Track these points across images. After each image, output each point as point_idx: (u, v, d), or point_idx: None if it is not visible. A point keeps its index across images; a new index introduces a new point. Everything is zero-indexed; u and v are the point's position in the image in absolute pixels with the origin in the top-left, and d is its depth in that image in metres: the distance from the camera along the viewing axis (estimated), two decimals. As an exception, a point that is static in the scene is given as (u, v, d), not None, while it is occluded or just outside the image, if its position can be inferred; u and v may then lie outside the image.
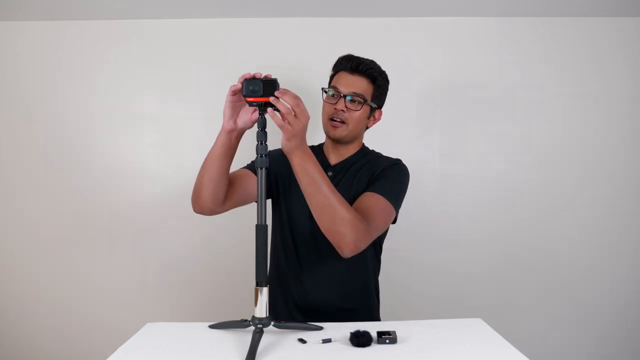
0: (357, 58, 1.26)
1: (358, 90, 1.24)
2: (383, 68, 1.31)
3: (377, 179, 1.22)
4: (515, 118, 2.07)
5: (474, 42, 2.07)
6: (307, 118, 1.00)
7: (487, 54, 2.06)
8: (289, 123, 0.98)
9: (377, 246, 1.33)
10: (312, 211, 1.07)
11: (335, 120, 1.25)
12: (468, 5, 1.96)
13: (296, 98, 0.98)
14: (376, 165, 1.27)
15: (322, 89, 1.29)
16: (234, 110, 1.08)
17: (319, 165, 1.06)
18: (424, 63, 2.07)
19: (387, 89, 1.33)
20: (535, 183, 2.08)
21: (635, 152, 2.08)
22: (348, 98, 1.23)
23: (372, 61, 1.28)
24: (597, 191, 2.08)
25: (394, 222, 1.27)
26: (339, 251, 1.07)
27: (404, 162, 1.31)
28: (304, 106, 1.00)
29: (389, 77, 1.33)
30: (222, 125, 1.09)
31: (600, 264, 2.09)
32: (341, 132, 1.25)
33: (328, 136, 1.30)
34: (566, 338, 2.10)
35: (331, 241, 1.07)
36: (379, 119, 1.34)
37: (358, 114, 1.25)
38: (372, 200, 1.16)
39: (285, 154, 1.04)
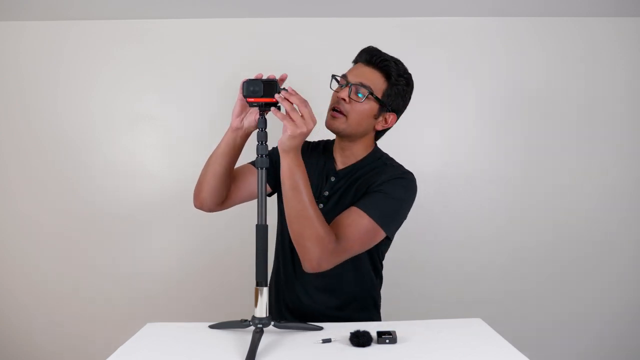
0: (376, 50, 1.15)
1: (366, 82, 1.11)
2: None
3: (371, 192, 1.11)
4: (515, 118, 2.07)
5: (473, 42, 2.07)
6: (314, 122, 0.98)
7: (487, 54, 2.06)
8: (293, 120, 0.96)
9: (375, 260, 1.24)
10: (287, 216, 1.05)
11: (335, 111, 1.14)
12: (468, 5, 1.96)
13: (304, 100, 0.98)
14: (378, 176, 1.14)
15: (332, 75, 1.17)
16: (243, 108, 1.08)
17: (307, 174, 1.04)
18: (423, 63, 2.05)
19: (406, 92, 1.17)
20: (535, 183, 2.08)
21: (634, 152, 2.08)
22: (352, 86, 1.12)
23: (393, 58, 1.15)
24: (596, 191, 2.08)
25: (390, 239, 1.17)
26: (302, 264, 1.05)
27: (414, 174, 1.17)
28: (311, 111, 0.98)
29: None
30: (230, 123, 1.10)
31: (600, 264, 2.09)
32: (339, 124, 1.13)
33: (327, 128, 1.18)
34: (566, 338, 2.10)
35: (297, 252, 1.05)
36: (390, 125, 1.19)
37: (360, 106, 1.12)
38: (354, 218, 1.06)
39: (280, 151, 1.01)
